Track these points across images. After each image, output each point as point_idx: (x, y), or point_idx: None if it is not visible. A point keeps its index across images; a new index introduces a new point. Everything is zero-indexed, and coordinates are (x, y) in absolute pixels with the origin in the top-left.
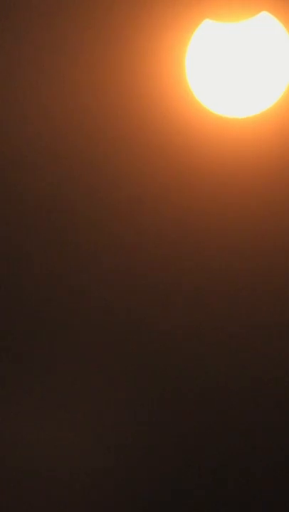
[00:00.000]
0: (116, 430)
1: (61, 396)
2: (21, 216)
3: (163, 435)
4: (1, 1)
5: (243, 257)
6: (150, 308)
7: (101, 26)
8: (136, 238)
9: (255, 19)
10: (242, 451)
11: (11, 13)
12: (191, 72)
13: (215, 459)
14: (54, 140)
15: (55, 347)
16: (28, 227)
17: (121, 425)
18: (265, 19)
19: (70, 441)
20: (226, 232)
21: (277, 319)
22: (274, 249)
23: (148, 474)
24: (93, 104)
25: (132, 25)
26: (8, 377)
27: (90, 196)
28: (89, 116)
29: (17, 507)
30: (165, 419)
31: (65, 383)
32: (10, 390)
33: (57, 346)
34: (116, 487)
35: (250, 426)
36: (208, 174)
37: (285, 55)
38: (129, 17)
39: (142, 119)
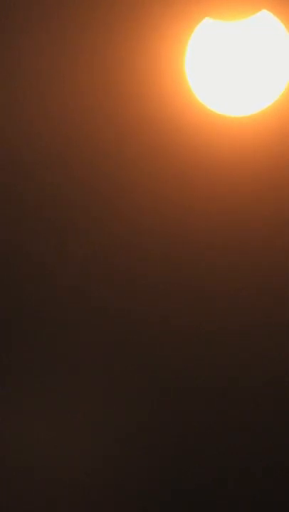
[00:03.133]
0: (116, 430)
1: (61, 396)
2: (21, 216)
3: (163, 435)
4: (1, 1)
5: (243, 257)
6: (150, 308)
7: (101, 25)
8: (136, 238)
9: (255, 17)
10: (242, 451)
11: (10, 13)
12: (190, 70)
13: (215, 459)
14: (54, 140)
15: (55, 347)
16: (28, 228)
17: (121, 425)
18: (265, 17)
19: (70, 441)
20: (226, 232)
21: (277, 319)
22: (274, 249)
23: (148, 474)
24: (93, 103)
25: (131, 24)
26: (8, 377)
27: (90, 196)
28: (89, 116)
29: (17, 507)
30: (165, 419)
31: (65, 383)
32: (10, 390)
33: (57, 346)
34: (116, 487)
35: (250, 426)
36: (208, 173)
37: (285, 53)
38: (129, 16)
39: (141, 118)
